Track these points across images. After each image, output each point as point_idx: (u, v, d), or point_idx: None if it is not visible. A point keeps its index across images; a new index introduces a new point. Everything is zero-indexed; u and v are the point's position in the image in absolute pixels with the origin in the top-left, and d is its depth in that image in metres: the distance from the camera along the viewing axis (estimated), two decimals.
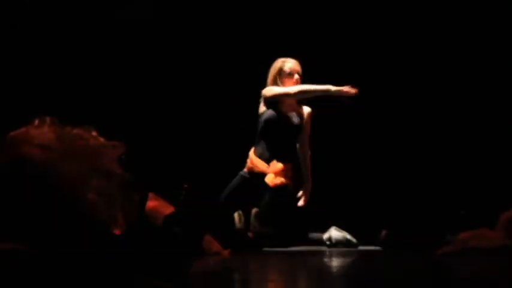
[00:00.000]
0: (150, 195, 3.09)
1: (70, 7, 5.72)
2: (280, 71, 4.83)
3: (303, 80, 4.85)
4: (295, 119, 4.83)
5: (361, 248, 4.71)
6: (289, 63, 4.84)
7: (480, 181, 5.49)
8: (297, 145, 4.90)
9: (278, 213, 4.72)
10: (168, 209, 3.22)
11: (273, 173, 4.71)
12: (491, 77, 5.75)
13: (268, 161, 4.76)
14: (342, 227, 4.80)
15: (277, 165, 4.73)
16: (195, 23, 5.96)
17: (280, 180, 4.71)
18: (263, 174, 4.72)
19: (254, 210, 4.70)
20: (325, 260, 3.63)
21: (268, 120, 4.78)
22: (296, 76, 4.81)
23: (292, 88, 4.76)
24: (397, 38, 5.89)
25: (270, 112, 4.79)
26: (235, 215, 4.69)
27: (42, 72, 5.65)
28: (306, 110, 4.92)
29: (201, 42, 5.94)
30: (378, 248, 4.67)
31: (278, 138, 4.79)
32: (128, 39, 5.82)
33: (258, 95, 4.91)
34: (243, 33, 5.90)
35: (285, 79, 4.82)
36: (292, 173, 4.77)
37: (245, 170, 4.80)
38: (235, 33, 5.91)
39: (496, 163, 5.58)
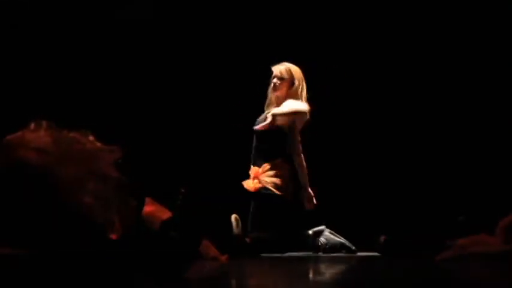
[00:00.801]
0: (147, 200, 3.08)
1: (69, 8, 5.70)
2: None
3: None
4: (258, 124, 4.81)
5: (359, 254, 4.68)
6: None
7: (479, 187, 5.48)
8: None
9: (268, 217, 4.72)
10: (165, 214, 3.20)
11: (250, 179, 4.77)
12: (491, 82, 5.74)
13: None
14: (340, 232, 4.78)
15: (253, 170, 4.78)
16: (193, 25, 5.94)
17: (257, 184, 4.74)
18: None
19: (234, 216, 4.71)
20: (323, 266, 3.60)
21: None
22: (274, 80, 4.85)
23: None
24: (397, 38, 5.88)
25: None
26: (233, 220, 4.67)
27: (40, 74, 5.63)
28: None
29: (198, 45, 5.93)
30: (376, 253, 4.65)
31: (253, 145, 4.85)
32: (126, 41, 5.80)
33: (257, 97, 4.93)
34: (242, 34, 5.88)
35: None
36: (273, 172, 4.76)
37: None
38: (234, 36, 5.89)
39: (494, 169, 5.57)
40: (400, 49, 5.88)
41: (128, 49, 5.82)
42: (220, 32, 5.92)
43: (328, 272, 3.05)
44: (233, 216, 4.69)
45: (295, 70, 4.86)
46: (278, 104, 4.84)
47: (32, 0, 5.63)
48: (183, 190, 4.44)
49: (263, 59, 5.06)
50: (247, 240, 4.59)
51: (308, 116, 4.79)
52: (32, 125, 2.36)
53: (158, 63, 5.89)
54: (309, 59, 5.04)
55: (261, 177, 4.76)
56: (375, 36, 5.93)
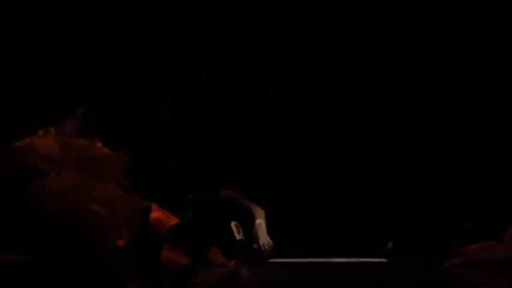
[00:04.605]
0: (153, 206, 3.08)
1: (70, 8, 5.70)
2: None
3: None
4: None
5: (366, 259, 4.68)
6: None
7: (487, 193, 5.46)
8: None
9: None
10: (171, 220, 3.20)
11: None
12: (493, 82, 5.72)
13: None
14: (347, 237, 4.77)
15: None
16: (196, 28, 5.94)
17: None
18: None
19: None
20: (330, 271, 3.60)
21: None
22: None
23: None
24: (397, 38, 5.87)
25: None
26: (233, 227, 4.67)
27: (49, 81, 5.64)
28: None
29: (201, 49, 5.92)
30: (383, 259, 4.64)
31: None
32: (131, 43, 5.80)
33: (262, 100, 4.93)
34: (243, 39, 5.88)
35: None
36: None
37: None
38: (235, 41, 5.89)
39: (502, 175, 5.55)
40: (400, 49, 5.86)
41: (133, 52, 5.81)
42: (221, 33, 5.91)
43: (336, 277, 3.04)
44: (233, 223, 4.69)
45: None
46: None
47: (32, 0, 5.63)
48: (190, 197, 4.44)
49: (263, 61, 5.05)
50: (255, 246, 4.58)
51: None
52: (40, 132, 2.37)
53: (163, 69, 5.88)
54: (308, 58, 5.02)
55: None
56: (373, 35, 5.91)
